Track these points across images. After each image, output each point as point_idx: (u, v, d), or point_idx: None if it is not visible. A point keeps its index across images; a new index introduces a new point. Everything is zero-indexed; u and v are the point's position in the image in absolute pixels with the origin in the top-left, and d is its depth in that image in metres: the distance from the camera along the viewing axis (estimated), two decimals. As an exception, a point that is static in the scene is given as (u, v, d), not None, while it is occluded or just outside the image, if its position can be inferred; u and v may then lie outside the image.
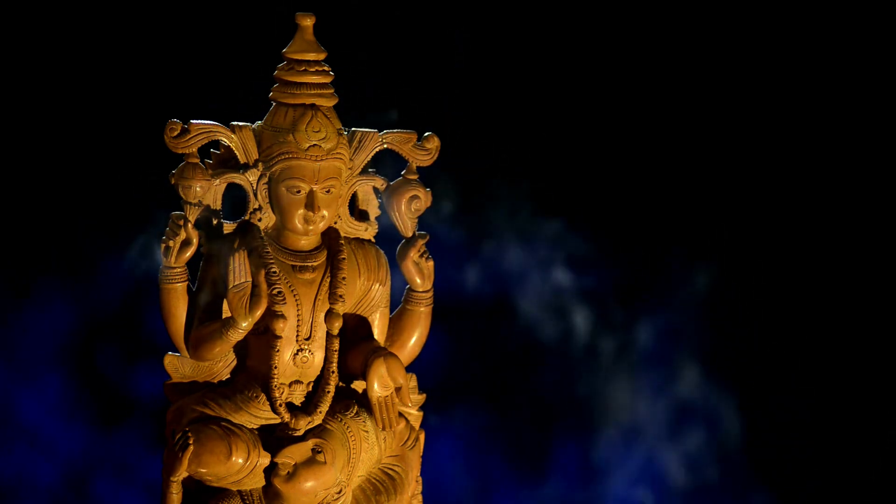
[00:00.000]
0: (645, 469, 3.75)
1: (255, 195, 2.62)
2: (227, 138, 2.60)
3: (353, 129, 2.66)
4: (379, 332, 2.70)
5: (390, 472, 2.68)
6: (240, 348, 2.63)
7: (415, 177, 2.69)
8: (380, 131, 2.67)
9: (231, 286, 2.55)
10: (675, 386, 3.75)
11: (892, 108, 3.84)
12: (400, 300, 2.73)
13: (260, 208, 2.62)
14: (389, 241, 2.72)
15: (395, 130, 2.67)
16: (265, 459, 2.57)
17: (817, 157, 3.86)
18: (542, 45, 3.82)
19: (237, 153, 2.60)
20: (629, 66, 3.83)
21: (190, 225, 2.57)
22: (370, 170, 2.69)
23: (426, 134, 2.68)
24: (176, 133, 2.57)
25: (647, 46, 3.82)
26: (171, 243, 2.57)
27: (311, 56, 2.59)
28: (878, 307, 3.88)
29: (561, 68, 3.82)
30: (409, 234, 2.69)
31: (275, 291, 2.56)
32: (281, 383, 2.60)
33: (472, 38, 3.74)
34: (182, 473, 2.54)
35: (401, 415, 2.67)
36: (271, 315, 2.56)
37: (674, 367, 3.76)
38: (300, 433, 2.60)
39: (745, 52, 3.83)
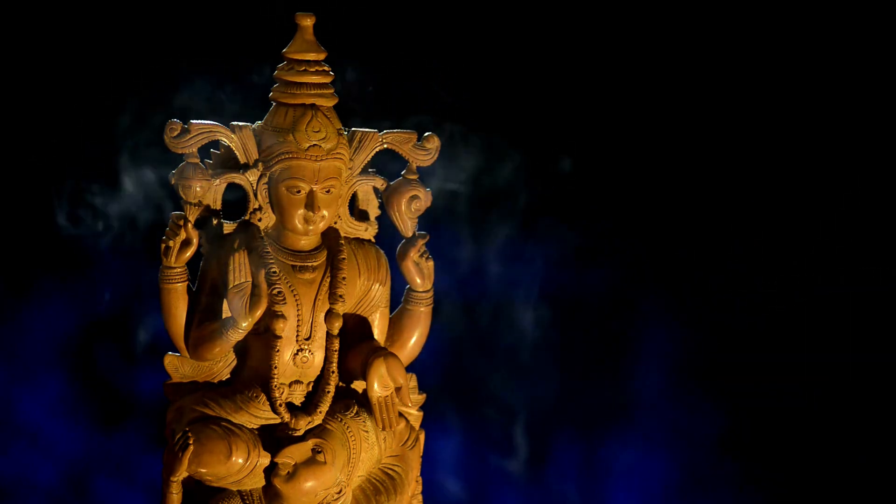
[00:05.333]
0: (644, 469, 3.75)
1: (255, 195, 2.62)
2: (227, 138, 2.60)
3: (353, 129, 2.66)
4: (379, 332, 2.70)
5: (390, 472, 2.68)
6: (240, 348, 2.63)
7: (415, 177, 2.69)
8: (380, 131, 2.67)
9: (231, 286, 2.55)
10: (675, 383, 3.75)
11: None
12: (400, 300, 2.73)
13: (260, 208, 2.62)
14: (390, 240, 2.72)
15: (395, 130, 2.67)
16: (265, 459, 2.57)
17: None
18: (540, 45, 3.82)
19: (237, 153, 2.60)
20: (629, 68, 3.84)
21: (190, 225, 2.57)
22: (370, 170, 2.69)
23: (426, 134, 2.68)
24: (176, 133, 2.57)
25: (638, 61, 3.83)
26: (171, 243, 2.57)
27: (311, 56, 2.59)
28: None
29: (561, 68, 3.82)
30: (409, 234, 2.69)
31: (275, 291, 2.56)
32: (281, 383, 2.60)
33: (471, 37, 3.75)
34: (182, 473, 2.54)
35: (401, 415, 2.67)
36: (271, 315, 2.56)
37: (673, 365, 3.76)
38: (300, 433, 2.60)
39: (721, 71, 3.83)
